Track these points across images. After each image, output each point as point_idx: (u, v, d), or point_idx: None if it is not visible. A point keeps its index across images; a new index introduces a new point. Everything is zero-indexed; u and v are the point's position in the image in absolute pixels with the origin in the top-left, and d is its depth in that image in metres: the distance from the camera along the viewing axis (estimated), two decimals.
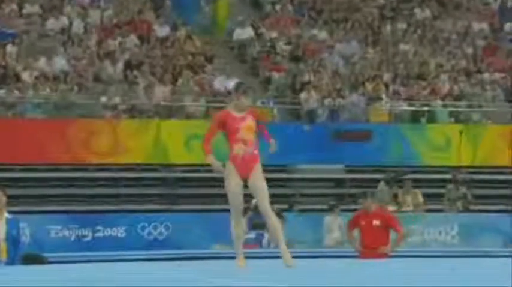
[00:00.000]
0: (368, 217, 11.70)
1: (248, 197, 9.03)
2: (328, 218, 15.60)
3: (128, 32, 19.25)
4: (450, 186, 17.34)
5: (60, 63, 18.17)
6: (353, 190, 17.87)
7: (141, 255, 12.90)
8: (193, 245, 14.43)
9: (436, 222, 16.73)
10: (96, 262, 11.12)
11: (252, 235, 14.52)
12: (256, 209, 15.24)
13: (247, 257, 8.76)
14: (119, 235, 15.65)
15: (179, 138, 17.54)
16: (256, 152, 8.68)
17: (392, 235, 11.78)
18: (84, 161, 17.10)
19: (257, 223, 14.48)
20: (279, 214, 14.37)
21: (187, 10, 20.57)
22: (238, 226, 8.72)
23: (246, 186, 8.80)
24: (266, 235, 14.09)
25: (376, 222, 11.66)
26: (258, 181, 8.62)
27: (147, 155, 17.40)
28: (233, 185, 8.62)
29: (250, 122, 8.70)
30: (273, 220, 8.62)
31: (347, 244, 12.86)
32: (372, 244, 11.62)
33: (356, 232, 12.03)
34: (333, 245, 15.30)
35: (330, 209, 15.68)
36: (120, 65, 18.49)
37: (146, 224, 15.83)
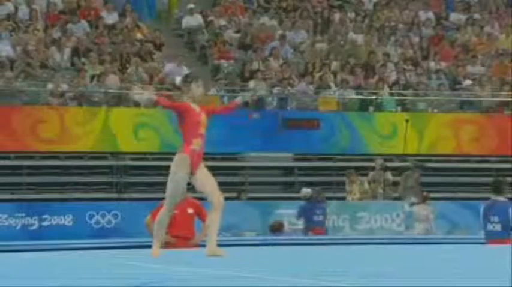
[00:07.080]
0: (182, 205, 10.16)
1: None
2: (416, 207, 16.06)
3: (75, 19, 19.06)
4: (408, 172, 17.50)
5: (5, 49, 17.92)
6: (301, 178, 18.00)
7: (88, 244, 12.83)
8: (141, 234, 14.39)
9: (383, 210, 16.92)
10: (42, 250, 11.03)
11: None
12: (308, 198, 15.70)
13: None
14: (66, 223, 15.54)
15: (127, 127, 17.45)
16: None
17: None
18: (30, 148, 16.91)
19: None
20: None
21: None
22: (169, 215, 8.72)
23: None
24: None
25: (190, 210, 10.58)
26: (209, 177, 8.61)
27: (95, 143, 17.28)
28: (184, 177, 8.60)
29: (204, 118, 8.67)
30: (218, 216, 8.59)
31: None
32: (187, 234, 10.53)
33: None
34: (422, 233, 15.61)
35: (426, 199, 16.18)
36: (67, 52, 18.31)
37: (94, 213, 15.75)
